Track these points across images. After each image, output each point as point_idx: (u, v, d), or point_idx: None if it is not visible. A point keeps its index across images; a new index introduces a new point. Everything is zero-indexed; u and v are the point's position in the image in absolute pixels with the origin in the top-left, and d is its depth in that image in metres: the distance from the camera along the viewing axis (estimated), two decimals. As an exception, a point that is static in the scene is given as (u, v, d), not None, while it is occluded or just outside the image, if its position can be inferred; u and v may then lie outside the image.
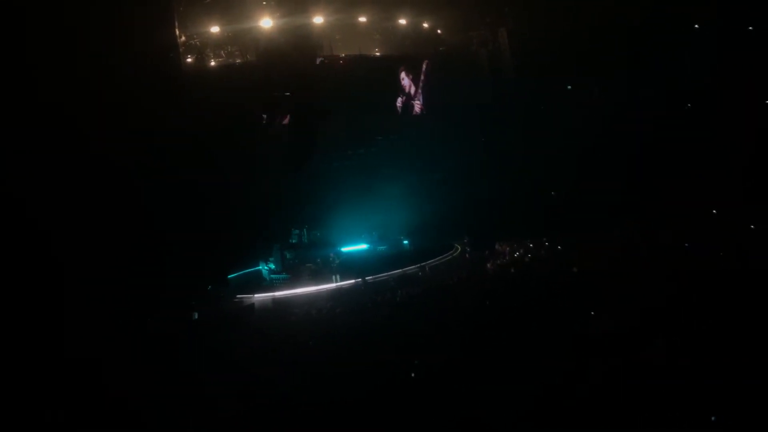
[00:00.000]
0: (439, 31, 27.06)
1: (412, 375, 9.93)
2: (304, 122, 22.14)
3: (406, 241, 24.05)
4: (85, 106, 14.42)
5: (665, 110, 22.88)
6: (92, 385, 10.21)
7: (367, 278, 18.74)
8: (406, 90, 25.42)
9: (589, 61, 23.53)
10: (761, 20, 21.65)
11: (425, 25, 26.43)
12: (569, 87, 25.30)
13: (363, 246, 23.90)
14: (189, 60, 21.20)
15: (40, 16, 14.03)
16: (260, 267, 21.33)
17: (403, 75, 25.29)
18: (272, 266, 20.76)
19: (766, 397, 7.44)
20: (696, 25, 23.24)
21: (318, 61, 23.11)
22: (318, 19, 22.75)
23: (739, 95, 21.34)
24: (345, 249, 22.80)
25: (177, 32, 18.55)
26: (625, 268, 14.99)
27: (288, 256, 20.94)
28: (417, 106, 25.54)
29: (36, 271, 13.41)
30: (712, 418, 7.24)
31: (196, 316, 15.71)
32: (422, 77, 25.39)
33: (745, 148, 20.22)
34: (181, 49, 19.51)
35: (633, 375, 8.58)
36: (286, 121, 22.74)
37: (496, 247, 21.65)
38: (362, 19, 24.77)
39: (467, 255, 22.26)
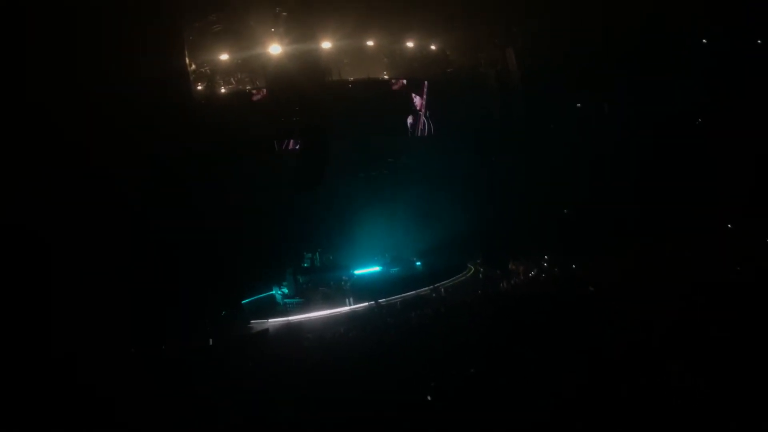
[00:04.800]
0: (447, 53, 27.24)
1: (428, 398, 9.80)
2: (314, 146, 22.25)
3: (419, 263, 23.96)
4: (97, 134, 14.60)
5: (673, 126, 22.77)
6: (107, 414, 10.15)
7: (380, 301, 18.63)
8: (416, 110, 25.59)
9: (597, 78, 23.51)
10: (762, 34, 21.59)
11: (433, 47, 26.62)
12: (578, 105, 25.28)
13: (376, 268, 23.84)
14: (200, 87, 21.42)
15: (53, 46, 14.26)
16: (273, 291, 21.30)
17: (414, 94, 25.50)
18: (285, 290, 20.73)
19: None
20: (703, 40, 23.20)
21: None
22: (326, 44, 22.97)
23: (745, 109, 21.21)
24: (358, 272, 22.74)
25: (187, 60, 18.78)
26: (640, 286, 14.79)
27: (301, 280, 20.91)
28: (422, 124, 25.70)
29: (52, 302, 13.51)
30: None
31: (211, 342, 15.67)
32: (424, 98, 25.55)
33: (754, 162, 20.05)
34: (191, 77, 19.73)
35: (651, 395, 8.42)
36: (297, 145, 22.87)
37: (510, 266, 21.50)
38: (370, 43, 24.99)
39: (481, 275, 22.13)
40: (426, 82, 25.65)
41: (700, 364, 9.12)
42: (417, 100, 25.62)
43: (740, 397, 7.86)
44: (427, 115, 25.76)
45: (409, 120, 25.59)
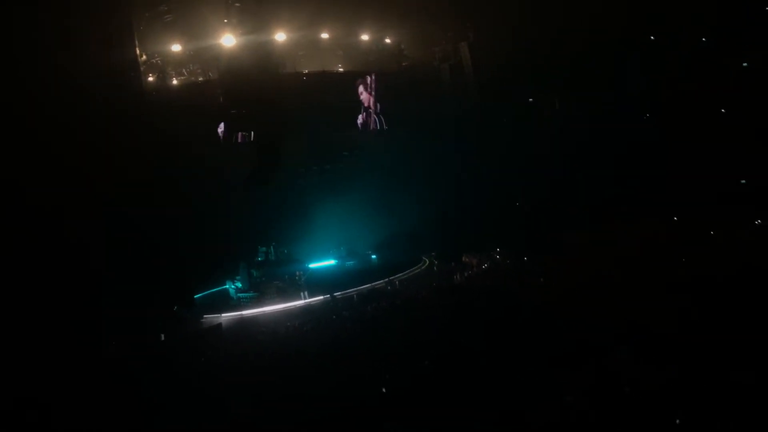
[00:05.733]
0: (402, 47, 27.28)
1: (383, 390, 9.88)
2: (267, 139, 22.05)
3: (374, 256, 24.04)
4: (42, 127, 14.19)
5: (625, 121, 23.31)
6: (51, 413, 9.90)
7: (335, 294, 18.64)
8: (365, 104, 25.56)
9: (550, 73, 23.88)
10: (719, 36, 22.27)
11: (388, 40, 26.63)
12: (531, 99, 25.66)
13: (331, 262, 23.84)
14: (150, 79, 21.00)
15: None
16: (227, 286, 21.09)
17: (361, 89, 25.43)
18: (239, 285, 20.53)
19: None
20: (651, 37, 23.76)
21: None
22: (280, 36, 22.76)
23: (697, 105, 21.89)
24: (313, 265, 22.69)
25: (137, 51, 18.36)
26: (590, 278, 15.14)
27: (255, 274, 20.72)
28: (374, 119, 25.69)
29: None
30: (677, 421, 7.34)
31: (163, 338, 15.45)
32: (372, 92, 25.53)
33: (709, 154, 20.73)
34: (142, 68, 19.31)
35: (603, 383, 8.64)
36: (250, 138, 22.64)
37: (463, 259, 21.73)
38: (325, 36, 24.86)
39: (435, 268, 22.32)
40: (373, 75, 25.57)
41: (648, 353, 9.41)
42: (364, 96, 25.57)
43: (690, 385, 8.13)
44: (378, 110, 25.73)
45: (361, 116, 25.55)
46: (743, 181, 21.03)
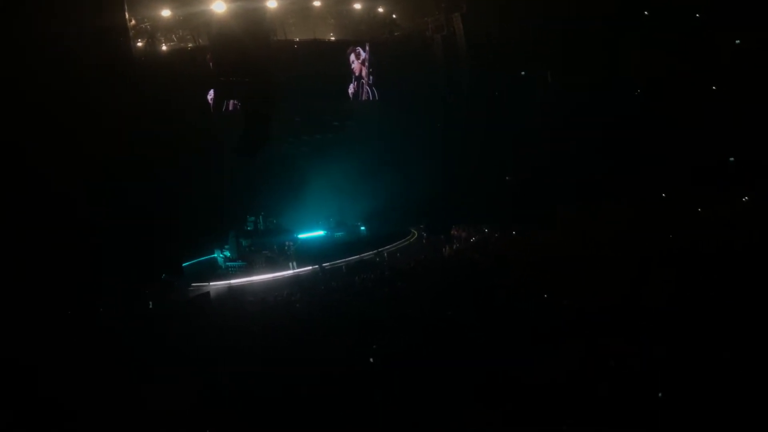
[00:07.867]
0: (394, 16, 26.98)
1: (371, 360, 9.97)
2: (257, 107, 21.85)
3: (363, 227, 24.07)
4: (31, 92, 14.01)
5: (616, 97, 23.27)
6: (33, 388, 9.84)
7: (324, 265, 18.69)
8: (356, 74, 25.35)
9: (543, 47, 23.74)
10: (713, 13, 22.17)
11: (380, 9, 26.33)
12: (523, 73, 25.52)
13: (320, 232, 23.86)
14: (139, 44, 20.70)
15: None
16: (215, 255, 21.09)
17: (352, 58, 25.20)
18: (228, 254, 20.55)
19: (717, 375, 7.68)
20: (645, 12, 23.63)
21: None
22: (272, 3, 22.43)
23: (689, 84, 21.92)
24: (302, 236, 22.71)
25: (126, 15, 18.07)
26: (577, 253, 15.23)
27: (244, 243, 20.74)
28: (366, 90, 25.51)
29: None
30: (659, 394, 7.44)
31: (151, 305, 15.46)
32: (366, 62, 25.30)
33: (699, 131, 20.81)
34: (131, 33, 19.01)
35: (592, 358, 8.72)
36: (239, 106, 22.45)
37: (452, 232, 21.81)
38: (316, 4, 24.55)
39: (424, 240, 22.41)
40: (366, 46, 25.34)
41: (635, 328, 9.51)
42: (356, 65, 25.34)
43: (676, 361, 8.24)
44: (371, 81, 25.54)
45: (352, 86, 25.37)
46: (731, 159, 21.15)
